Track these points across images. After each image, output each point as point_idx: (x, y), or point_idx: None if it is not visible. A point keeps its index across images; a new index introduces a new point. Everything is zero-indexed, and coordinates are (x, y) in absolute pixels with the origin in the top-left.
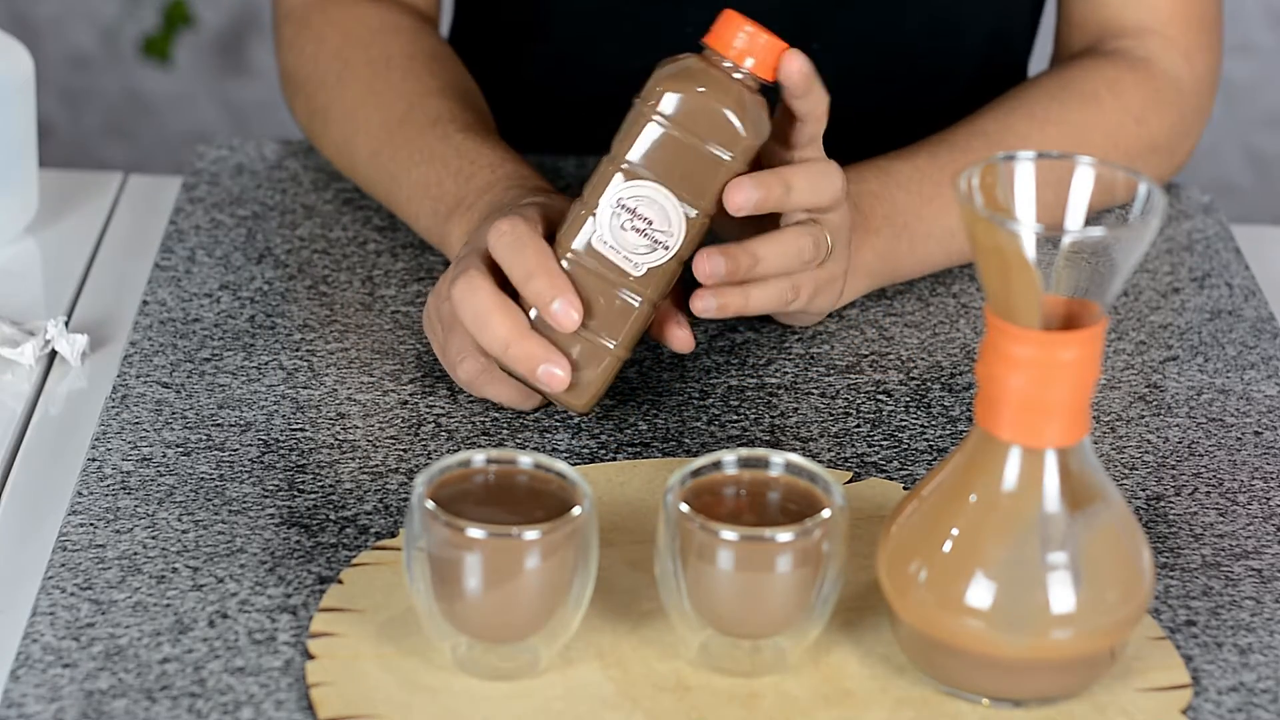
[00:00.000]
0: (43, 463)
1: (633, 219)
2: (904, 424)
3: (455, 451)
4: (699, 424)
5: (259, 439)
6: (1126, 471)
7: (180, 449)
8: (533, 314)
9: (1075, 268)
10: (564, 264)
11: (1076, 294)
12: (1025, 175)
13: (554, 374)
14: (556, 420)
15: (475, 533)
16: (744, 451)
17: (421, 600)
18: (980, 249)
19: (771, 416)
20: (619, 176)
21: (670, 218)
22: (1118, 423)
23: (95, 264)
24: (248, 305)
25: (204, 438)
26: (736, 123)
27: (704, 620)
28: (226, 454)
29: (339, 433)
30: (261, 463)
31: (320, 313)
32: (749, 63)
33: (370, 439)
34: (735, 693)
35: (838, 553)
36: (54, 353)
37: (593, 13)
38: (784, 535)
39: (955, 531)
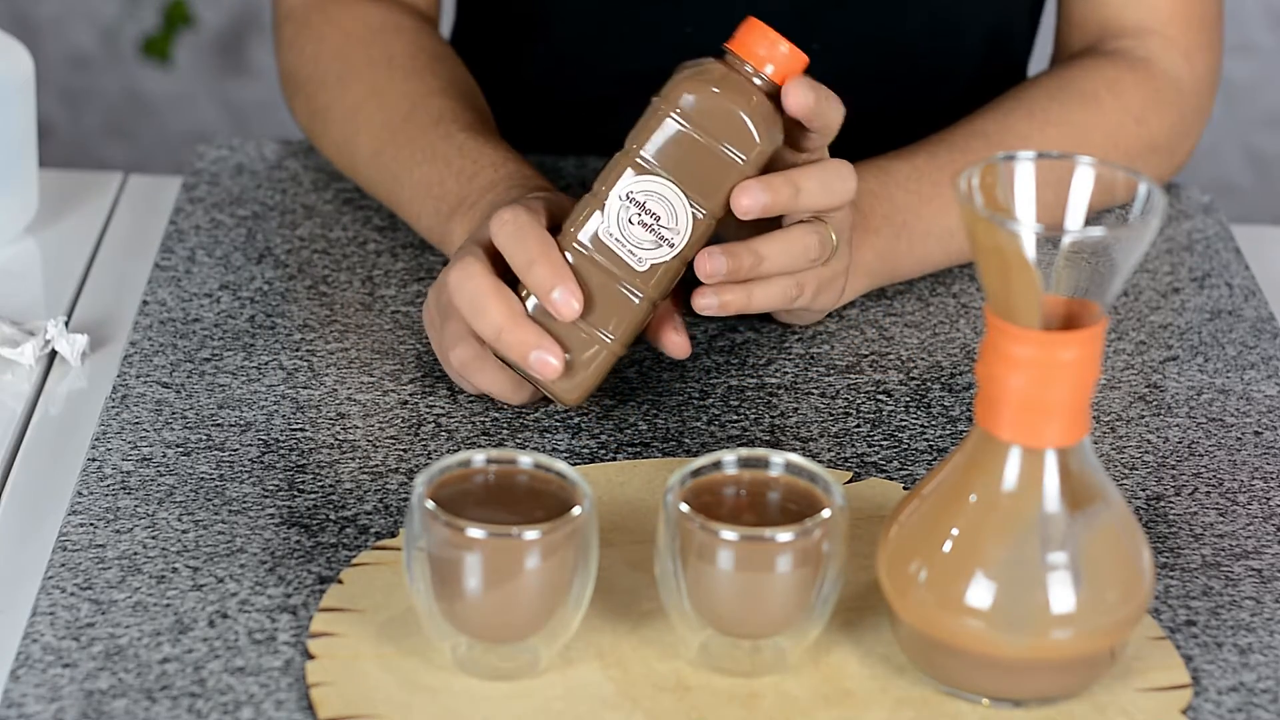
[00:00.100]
0: (43, 463)
1: (641, 213)
2: (904, 424)
3: (455, 451)
4: (699, 424)
5: (259, 439)
6: (1126, 471)
7: (180, 449)
8: (532, 302)
9: (1075, 268)
10: (568, 254)
11: (1076, 294)
12: (1025, 175)
13: (547, 361)
14: (556, 420)
15: (475, 533)
16: (744, 451)
17: (421, 600)
18: (980, 249)
19: (771, 416)
20: (631, 170)
21: (678, 215)
22: (1118, 423)
23: (95, 264)
24: (248, 305)
25: (204, 438)
26: (751, 127)
27: (704, 620)
28: (226, 454)
29: (339, 433)
30: (261, 463)
31: (320, 313)
32: (769, 69)
33: (370, 439)
34: (735, 693)
35: (838, 553)
36: (54, 353)
37: (593, 13)
38: (784, 535)
39: (955, 531)
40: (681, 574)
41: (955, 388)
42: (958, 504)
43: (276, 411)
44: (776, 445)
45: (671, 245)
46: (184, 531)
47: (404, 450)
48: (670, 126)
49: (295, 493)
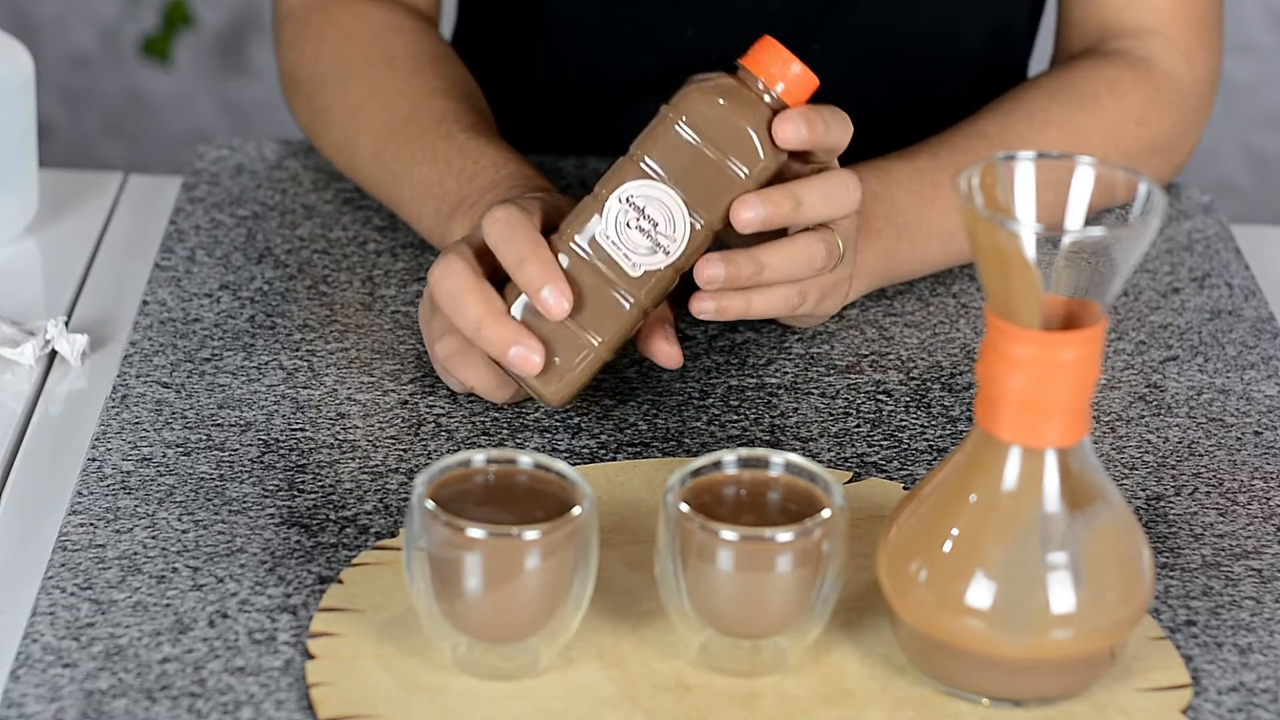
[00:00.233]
0: (43, 463)
1: (639, 217)
2: (904, 424)
3: (455, 451)
4: (699, 424)
5: (259, 439)
6: (1126, 471)
7: (180, 449)
8: (523, 301)
9: (1075, 268)
10: (563, 254)
11: (1076, 294)
12: (1025, 175)
13: (526, 356)
14: (556, 420)
15: (475, 533)
16: (744, 451)
17: (421, 600)
18: (980, 249)
19: (771, 416)
20: (633, 174)
21: (676, 223)
22: (1118, 423)
23: (95, 264)
24: (248, 305)
25: (204, 438)
26: (756, 142)
27: (704, 620)
28: (226, 454)
29: (339, 433)
30: (261, 463)
31: (320, 313)
32: (779, 88)
33: (370, 439)
34: (735, 693)
35: (838, 553)
36: (54, 353)
37: (593, 13)
38: (784, 535)
39: (955, 531)
40: (681, 574)
41: (955, 388)
42: (958, 504)
43: (276, 411)
44: (776, 445)
45: (668, 253)
46: (184, 531)
47: (404, 450)
48: (676, 135)
49: (295, 493)
